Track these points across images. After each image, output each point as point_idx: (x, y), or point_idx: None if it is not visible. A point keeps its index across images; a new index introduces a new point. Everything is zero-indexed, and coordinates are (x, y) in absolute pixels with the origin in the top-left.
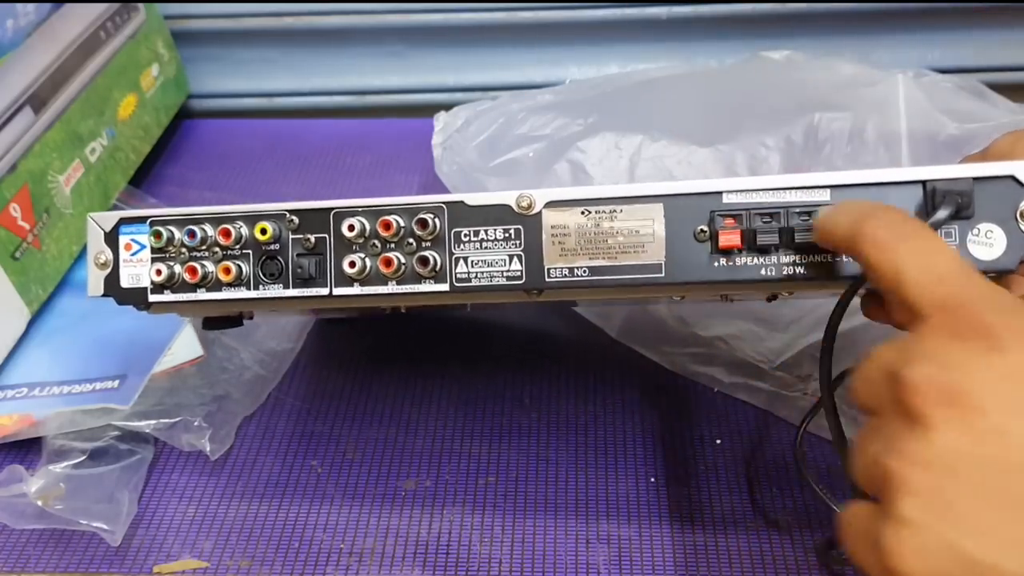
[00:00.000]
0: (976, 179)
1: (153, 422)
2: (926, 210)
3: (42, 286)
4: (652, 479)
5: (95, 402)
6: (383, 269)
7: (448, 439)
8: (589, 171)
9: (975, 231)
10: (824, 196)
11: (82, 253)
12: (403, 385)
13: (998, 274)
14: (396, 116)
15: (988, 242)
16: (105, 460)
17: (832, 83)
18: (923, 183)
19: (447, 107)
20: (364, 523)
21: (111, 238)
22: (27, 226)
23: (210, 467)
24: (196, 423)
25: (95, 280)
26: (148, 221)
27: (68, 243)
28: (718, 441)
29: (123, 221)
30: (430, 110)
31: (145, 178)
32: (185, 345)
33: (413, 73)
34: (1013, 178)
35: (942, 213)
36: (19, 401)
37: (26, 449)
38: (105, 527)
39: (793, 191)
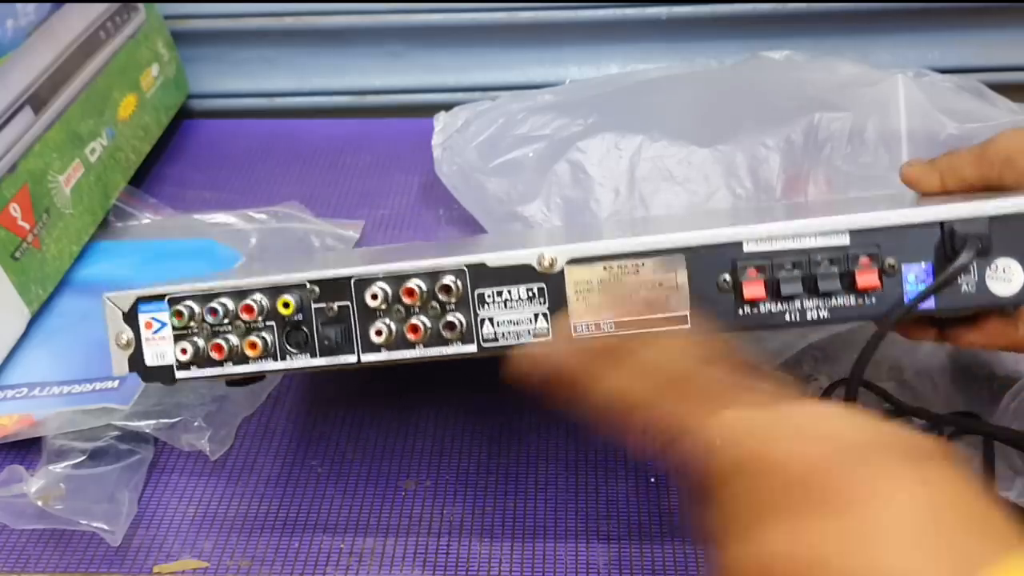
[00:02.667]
0: (992, 219)
1: (153, 422)
2: (944, 251)
3: (42, 286)
4: (652, 479)
5: (95, 402)
6: (410, 335)
7: (448, 439)
8: (589, 171)
9: (992, 267)
10: (843, 240)
11: (82, 253)
12: (404, 385)
13: (1015, 307)
14: (396, 116)
15: (1006, 278)
16: (105, 460)
17: (832, 83)
18: (940, 224)
19: (447, 107)
20: (364, 523)
21: (130, 318)
22: (27, 226)
23: (210, 467)
24: (196, 423)
25: (119, 360)
26: (167, 299)
27: (68, 243)
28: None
29: (141, 300)
30: (430, 110)
31: (145, 178)
32: None
33: (413, 73)
34: None
35: (964, 258)
36: (19, 401)
37: (26, 449)
38: (105, 527)
39: (813, 237)
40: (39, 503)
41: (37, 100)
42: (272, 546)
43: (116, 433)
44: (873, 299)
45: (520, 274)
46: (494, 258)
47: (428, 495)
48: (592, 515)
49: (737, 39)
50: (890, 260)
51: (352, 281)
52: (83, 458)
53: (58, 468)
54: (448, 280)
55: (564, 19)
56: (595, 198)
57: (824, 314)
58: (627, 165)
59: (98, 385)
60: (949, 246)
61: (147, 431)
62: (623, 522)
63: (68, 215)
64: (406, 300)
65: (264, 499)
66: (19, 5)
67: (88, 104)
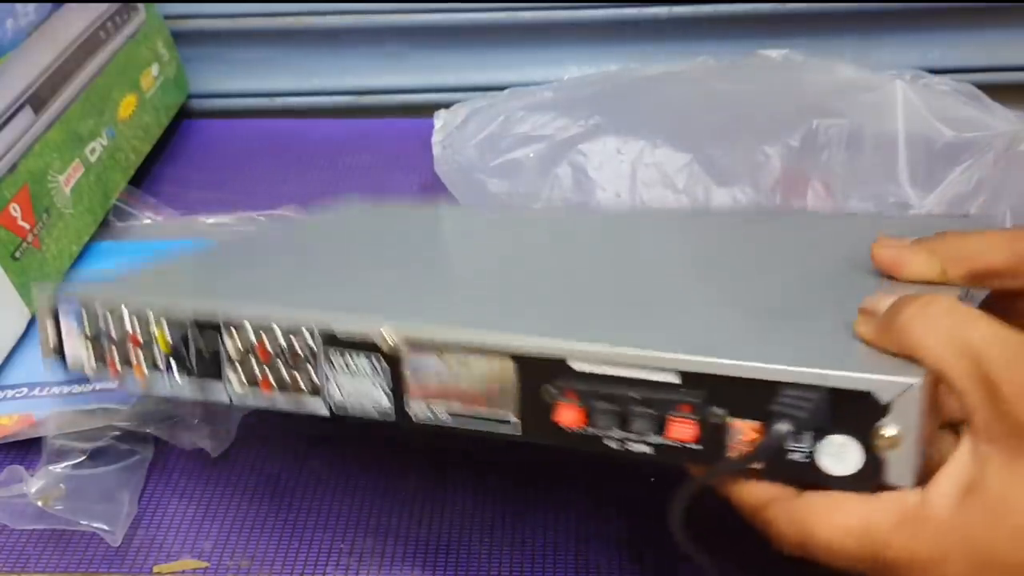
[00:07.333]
0: (831, 390)
1: (153, 422)
2: (773, 415)
3: None
4: (652, 479)
5: (95, 402)
6: (263, 390)
7: (448, 439)
8: (591, 175)
9: (825, 440)
10: (673, 379)
11: (82, 253)
12: None
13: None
14: (396, 116)
15: (839, 455)
16: (105, 460)
17: (830, 87)
18: (774, 384)
19: (447, 107)
20: (364, 523)
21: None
22: (27, 226)
23: (210, 467)
24: (196, 421)
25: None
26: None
27: (68, 243)
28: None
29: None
30: (430, 110)
31: (145, 178)
32: None
33: (413, 73)
34: None
35: (776, 433)
36: (19, 401)
37: (26, 449)
38: (105, 527)
39: (643, 370)
40: (39, 503)
41: (37, 100)
42: (272, 546)
43: (116, 433)
44: (698, 447)
45: (365, 345)
46: (342, 323)
47: (428, 495)
48: (593, 516)
49: (737, 39)
50: (717, 411)
51: (221, 323)
52: (83, 458)
53: (58, 468)
54: (297, 343)
55: (564, 19)
56: (596, 201)
57: (648, 451)
58: (629, 170)
59: (98, 385)
60: (777, 411)
61: (147, 431)
62: (624, 524)
63: (68, 215)
64: (259, 355)
65: (264, 499)
66: (19, 5)
67: (88, 104)
